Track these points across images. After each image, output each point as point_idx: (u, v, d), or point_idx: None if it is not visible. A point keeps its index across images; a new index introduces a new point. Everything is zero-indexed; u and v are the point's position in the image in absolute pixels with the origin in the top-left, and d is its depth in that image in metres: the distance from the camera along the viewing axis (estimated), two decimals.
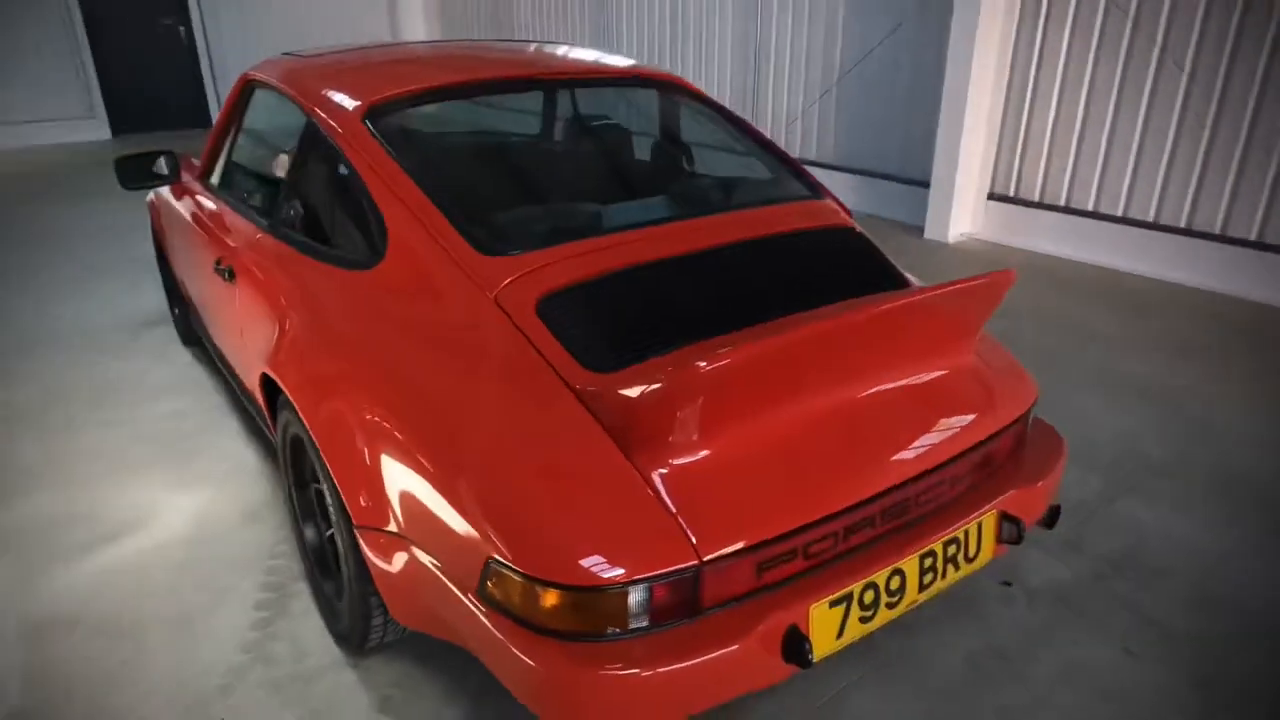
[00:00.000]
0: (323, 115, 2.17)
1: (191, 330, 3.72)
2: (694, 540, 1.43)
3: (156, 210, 3.58)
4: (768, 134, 6.95)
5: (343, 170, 2.07)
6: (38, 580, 2.39)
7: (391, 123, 2.13)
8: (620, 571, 1.38)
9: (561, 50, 2.76)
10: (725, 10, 7.05)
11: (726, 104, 7.26)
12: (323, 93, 2.23)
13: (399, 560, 1.65)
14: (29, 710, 1.95)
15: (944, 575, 1.74)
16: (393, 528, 1.64)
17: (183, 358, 3.87)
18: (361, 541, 1.71)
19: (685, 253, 1.94)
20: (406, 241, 1.88)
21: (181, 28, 10.05)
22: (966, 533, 1.76)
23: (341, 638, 2.05)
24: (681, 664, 1.40)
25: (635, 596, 1.40)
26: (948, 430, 1.79)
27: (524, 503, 1.47)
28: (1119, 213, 4.99)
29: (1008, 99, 5.32)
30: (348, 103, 2.14)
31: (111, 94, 9.77)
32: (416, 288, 1.85)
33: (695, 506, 1.47)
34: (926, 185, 5.61)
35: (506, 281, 1.77)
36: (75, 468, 2.96)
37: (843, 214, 2.31)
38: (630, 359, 1.61)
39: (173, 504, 2.73)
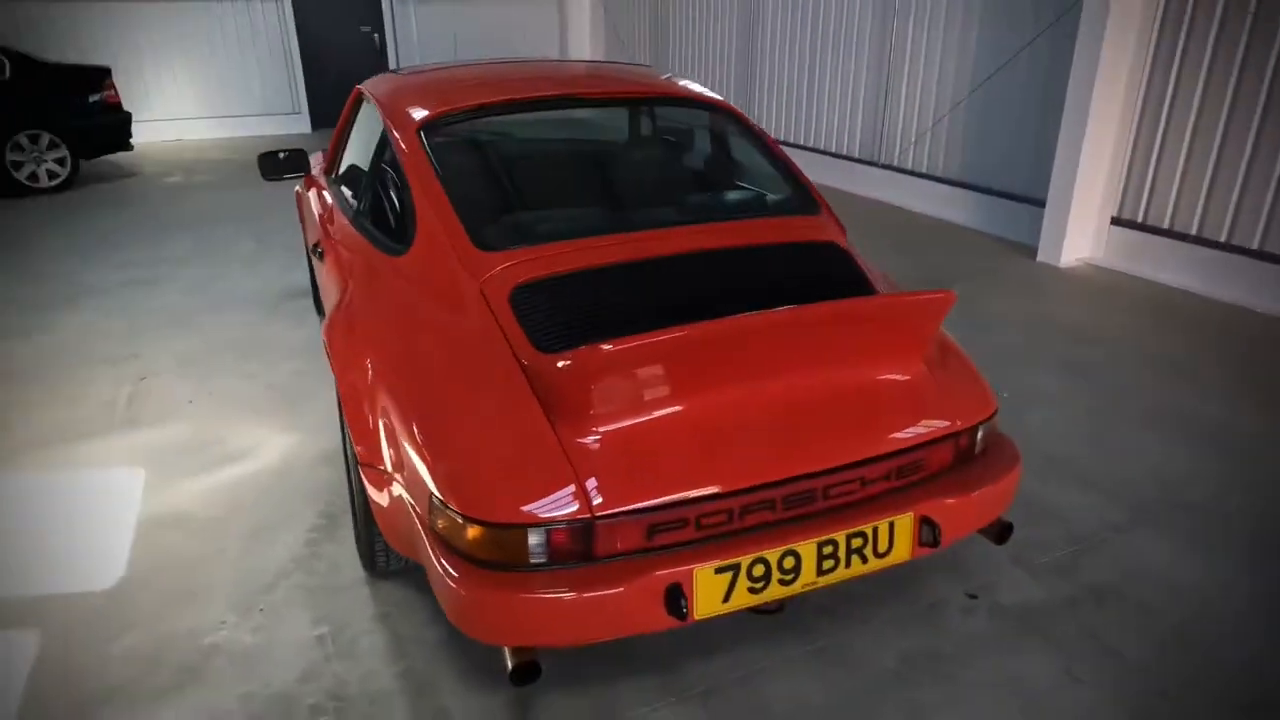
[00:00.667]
0: (391, 125, 2.59)
1: (320, 302, 4.36)
2: (589, 498, 1.70)
3: (298, 198, 4.23)
4: (896, 153, 6.94)
5: (399, 173, 2.48)
6: (166, 486, 3.00)
7: (440, 134, 2.52)
8: (525, 515, 1.68)
9: (624, 72, 3.07)
10: (862, 38, 7.08)
11: (857, 128, 7.32)
12: (396, 106, 2.65)
13: (388, 494, 2.03)
14: (130, 579, 2.51)
15: (848, 565, 1.89)
16: (384, 466, 2.02)
17: (315, 326, 4.53)
18: (364, 477, 2.10)
19: (660, 256, 2.20)
20: (427, 235, 2.26)
21: (376, 35, 11.25)
22: (876, 529, 1.90)
23: (363, 561, 2.47)
24: (568, 596, 1.68)
25: (535, 538, 1.69)
26: (866, 433, 1.94)
27: (463, 452, 1.80)
28: (1255, 245, 4.65)
29: (1141, 118, 5.07)
30: (410, 116, 2.55)
31: (314, 92, 11.10)
32: (427, 274, 2.23)
33: (597, 470, 1.73)
34: (1044, 205, 5.44)
35: (491, 273, 2.10)
36: (217, 406, 3.62)
37: (830, 230, 2.47)
38: (576, 344, 1.90)
39: (274, 442, 3.30)
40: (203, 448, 3.26)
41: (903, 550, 1.95)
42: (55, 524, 2.80)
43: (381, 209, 2.63)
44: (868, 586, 2.42)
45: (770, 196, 2.63)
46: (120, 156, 8.89)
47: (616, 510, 1.72)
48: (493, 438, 1.81)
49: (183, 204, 7.41)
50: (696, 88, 2.98)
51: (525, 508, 1.69)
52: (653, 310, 2.01)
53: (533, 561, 1.71)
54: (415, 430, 1.87)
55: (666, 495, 1.75)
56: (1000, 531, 2.17)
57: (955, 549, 2.50)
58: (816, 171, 7.85)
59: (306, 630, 2.30)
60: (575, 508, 1.69)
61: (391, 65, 11.40)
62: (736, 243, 2.30)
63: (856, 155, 7.43)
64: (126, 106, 8.46)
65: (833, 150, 7.71)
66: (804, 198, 2.58)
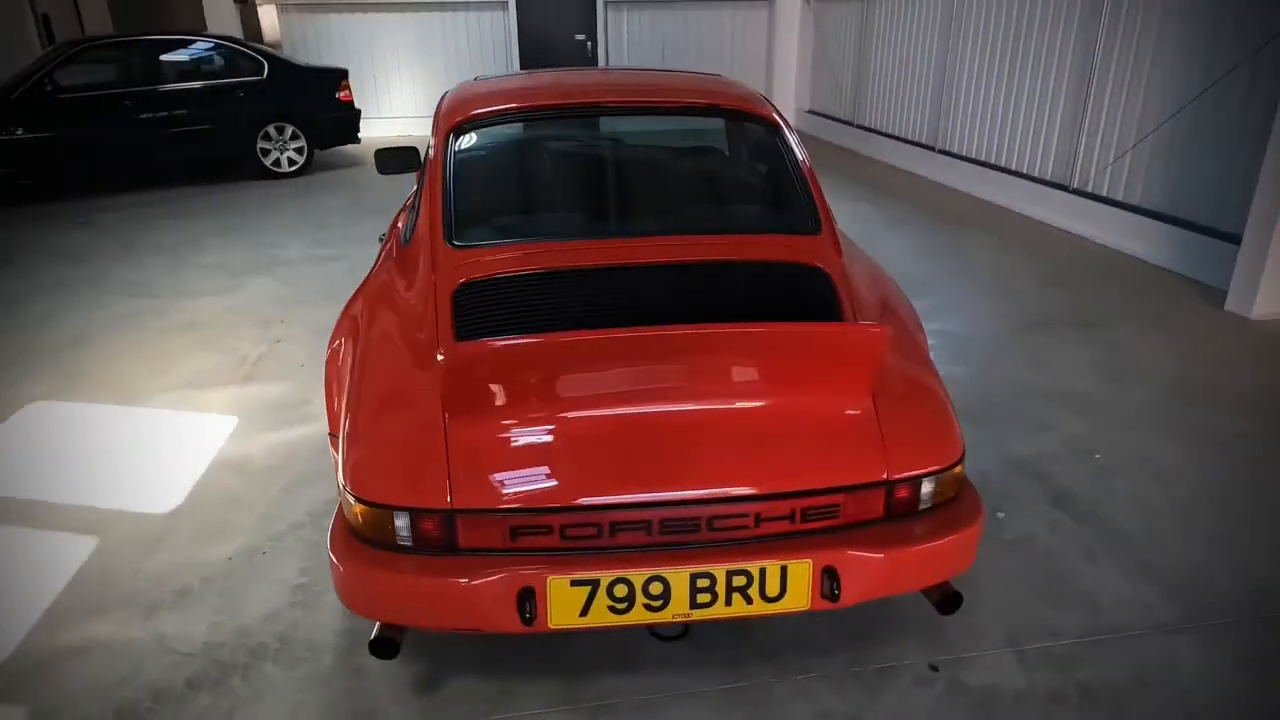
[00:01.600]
0: (432, 127, 2.78)
1: None
2: (453, 491, 1.75)
3: None
4: (1091, 176, 6.23)
5: (423, 170, 2.66)
6: (246, 435, 3.42)
7: (466, 136, 2.66)
8: (392, 498, 1.77)
9: (676, 82, 3.06)
10: (1063, 58, 6.41)
11: (1051, 150, 6.64)
12: (441, 109, 2.83)
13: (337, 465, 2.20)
14: (182, 509, 2.91)
15: (729, 602, 1.79)
16: (338, 433, 2.19)
17: None
18: (330, 444, 2.29)
19: (619, 265, 2.19)
20: (420, 229, 2.41)
21: (589, 43, 11.84)
22: (764, 571, 1.78)
23: None
24: (421, 581, 1.74)
25: (400, 520, 1.77)
26: (766, 468, 1.82)
27: (366, 434, 1.91)
28: None
29: None
30: (445, 119, 2.72)
31: None
32: (409, 266, 2.38)
33: (469, 465, 1.78)
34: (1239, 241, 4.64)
35: (448, 268, 2.21)
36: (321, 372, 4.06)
37: (820, 253, 2.31)
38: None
39: None
40: (292, 406, 3.67)
41: (799, 599, 1.81)
42: (149, 453, 3.30)
43: (415, 205, 2.83)
44: (824, 634, 2.25)
45: (773, 213, 2.51)
46: (350, 148, 10.09)
47: (478, 508, 1.75)
48: (395, 423, 1.91)
49: (388, 192, 8.28)
50: (740, 96, 2.90)
51: (394, 491, 1.78)
52: (589, 318, 2.01)
53: (399, 543, 1.80)
54: (345, 409, 2.02)
55: (530, 501, 1.76)
56: (943, 600, 1.95)
57: (954, 617, 2.26)
58: (999, 191, 7.26)
59: (290, 578, 2.54)
60: (438, 498, 1.75)
61: None
62: (707, 257, 2.23)
63: (1047, 178, 6.75)
64: (358, 104, 9.57)
65: (1022, 171, 7.06)
66: (807, 217, 2.44)
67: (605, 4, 11.67)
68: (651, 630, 2.02)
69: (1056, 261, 5.66)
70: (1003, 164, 7.34)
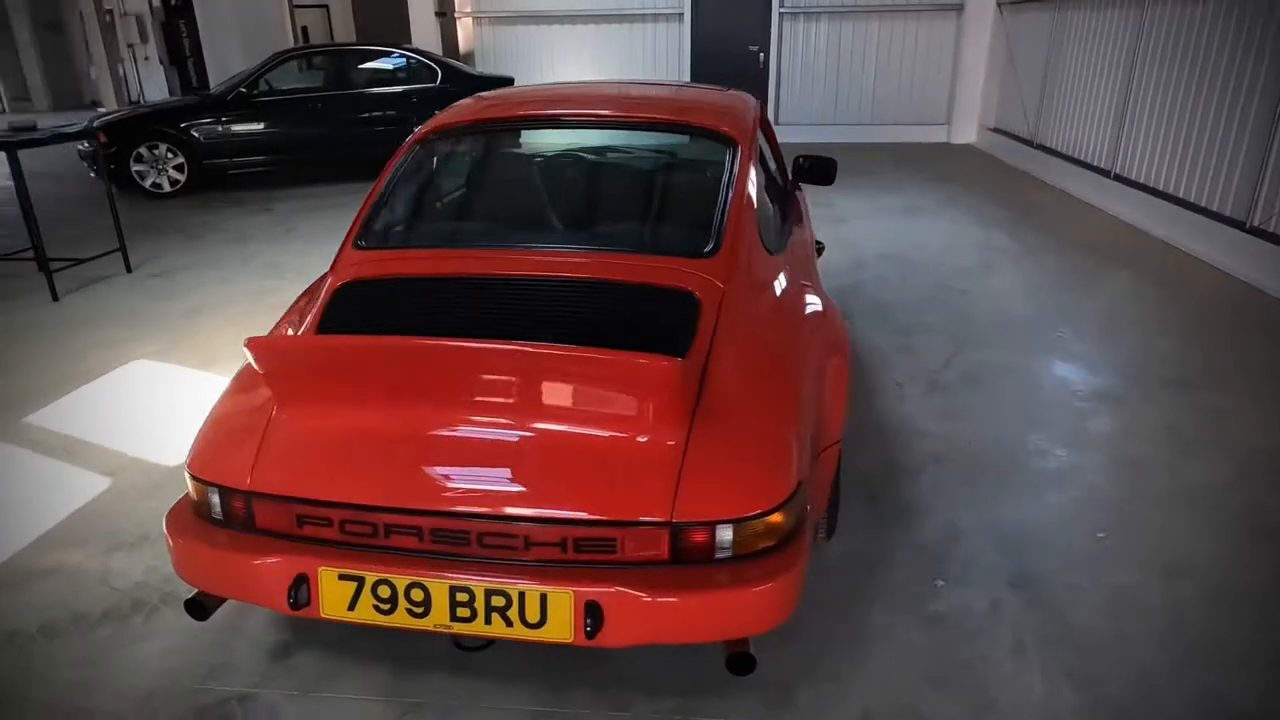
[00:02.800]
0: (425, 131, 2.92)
1: None
2: (251, 475, 1.88)
3: None
4: (1273, 215, 5.34)
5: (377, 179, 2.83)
6: None
7: (442, 143, 2.80)
8: (204, 474, 1.93)
9: (669, 96, 3.00)
10: (1250, 94, 5.52)
11: (1232, 186, 5.75)
12: (444, 114, 2.96)
13: None
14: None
15: (488, 622, 1.78)
16: None
17: None
18: None
19: (497, 276, 2.22)
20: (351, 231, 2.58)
21: (761, 54, 11.73)
22: (524, 595, 1.75)
23: None
24: (215, 553, 1.89)
25: (214, 497, 1.93)
26: (540, 492, 1.79)
27: (213, 415, 2.09)
28: None
29: None
30: (420, 130, 2.87)
31: None
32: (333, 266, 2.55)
33: (272, 452, 1.90)
34: None
35: (342, 268, 2.34)
36: None
37: (703, 277, 2.20)
38: None
39: None
40: None
41: (561, 629, 1.77)
42: (179, 410, 3.72)
43: None
44: (665, 674, 2.15)
45: (678, 233, 2.41)
46: None
47: (269, 493, 1.87)
48: (234, 409, 2.08)
49: None
50: (716, 113, 2.84)
51: (210, 469, 1.94)
52: (438, 325, 2.07)
53: (213, 518, 1.96)
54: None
55: (312, 493, 1.85)
56: (731, 659, 1.81)
57: (816, 684, 2.10)
58: (1166, 222, 6.39)
59: None
60: (240, 480, 1.89)
61: (771, 84, 11.80)
62: (580, 275, 2.21)
63: (1226, 214, 5.85)
64: None
65: (1196, 203, 6.16)
66: (709, 240, 2.33)
67: (780, 14, 11.52)
68: (456, 642, 2.04)
69: (1191, 302, 4.91)
70: (1176, 193, 6.45)
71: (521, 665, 2.19)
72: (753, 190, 2.59)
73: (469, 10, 12.11)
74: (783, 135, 11.60)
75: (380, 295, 2.26)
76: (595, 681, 2.15)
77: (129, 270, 5.87)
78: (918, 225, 6.94)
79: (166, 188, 8.55)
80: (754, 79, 11.80)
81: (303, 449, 1.92)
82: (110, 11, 17.54)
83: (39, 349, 4.50)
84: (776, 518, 1.83)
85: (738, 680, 2.14)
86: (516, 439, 1.85)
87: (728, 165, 2.60)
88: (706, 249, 2.30)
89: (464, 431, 1.87)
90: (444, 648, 2.24)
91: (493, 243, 2.44)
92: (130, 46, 18.14)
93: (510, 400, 1.84)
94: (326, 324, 2.20)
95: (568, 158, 2.95)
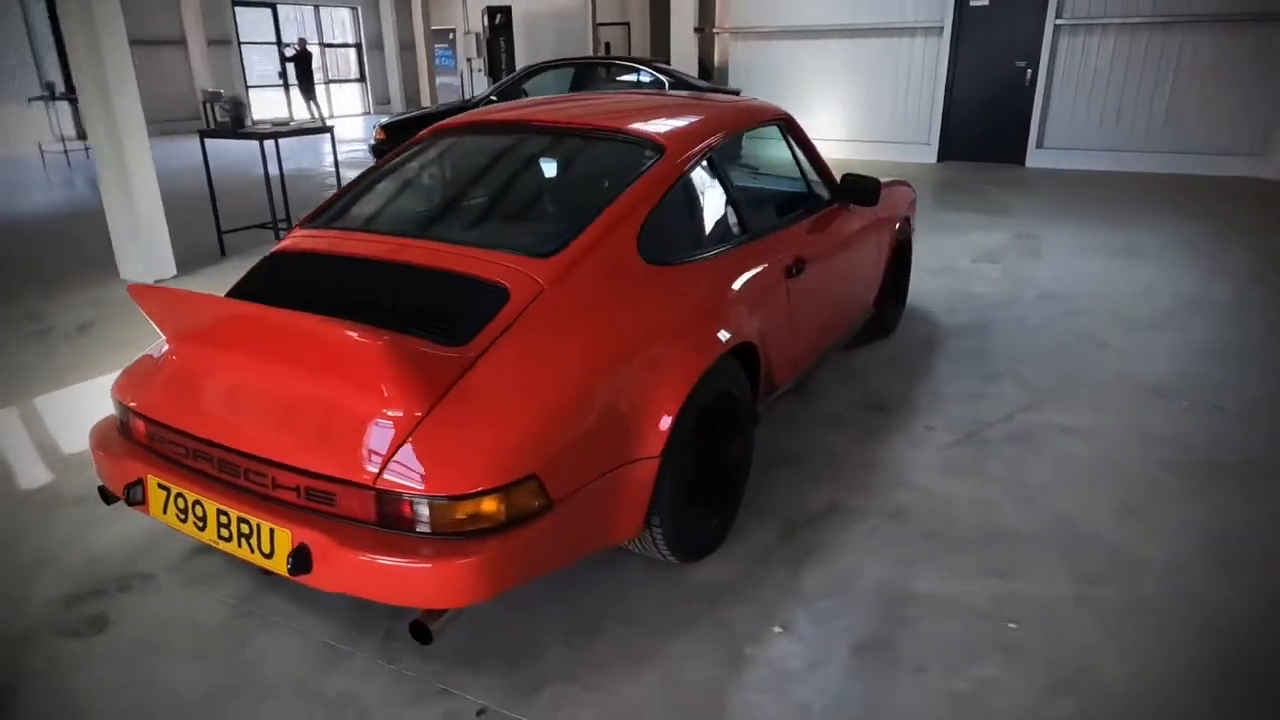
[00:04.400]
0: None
1: None
2: (134, 397, 2.34)
3: None
4: None
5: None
6: None
7: (418, 146, 3.15)
8: (118, 395, 2.41)
9: (621, 103, 3.07)
10: None
11: None
12: (435, 125, 3.30)
13: None
14: None
15: (240, 545, 2.06)
16: None
17: None
18: None
19: (376, 258, 2.49)
20: None
21: (1029, 70, 10.64)
22: (259, 527, 2.01)
23: None
24: (108, 458, 2.35)
25: (119, 414, 2.42)
26: (284, 440, 2.03)
27: (142, 354, 2.57)
28: None
29: None
30: (422, 133, 3.22)
31: (948, 124, 11.25)
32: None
33: (152, 380, 2.35)
34: None
35: (284, 240, 2.75)
36: None
37: (524, 273, 2.29)
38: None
39: None
40: None
41: (279, 563, 2.00)
42: None
43: None
44: (449, 645, 2.29)
45: (536, 232, 2.52)
46: None
47: (137, 410, 2.32)
48: (155, 348, 2.55)
49: None
50: (658, 121, 2.93)
51: (120, 389, 2.42)
52: (295, 294, 2.39)
53: (119, 432, 2.44)
54: None
55: (156, 415, 2.26)
56: (413, 627, 1.93)
57: (559, 686, 2.13)
58: None
59: None
60: (127, 399, 2.36)
61: (1037, 104, 10.67)
62: (423, 262, 2.40)
63: None
64: None
65: None
66: (554, 242, 2.39)
67: (1056, 26, 10.38)
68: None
69: None
70: None
71: (351, 610, 2.44)
72: (661, 195, 2.59)
73: (727, 26, 12.46)
74: (1048, 161, 10.61)
75: (285, 265, 2.65)
76: (394, 633, 2.34)
77: None
78: (1122, 268, 6.00)
79: None
80: (1017, 98, 10.78)
81: (161, 381, 2.35)
82: (452, 30, 20.61)
83: None
84: (487, 504, 1.90)
85: (502, 665, 2.23)
86: (282, 396, 2.11)
87: (639, 171, 2.63)
88: (548, 249, 2.37)
89: (250, 385, 2.17)
90: (235, 586, 2.55)
91: (383, 229, 2.72)
92: (469, 60, 21.21)
93: (284, 364, 2.11)
94: (244, 283, 2.63)
95: (495, 161, 3.15)
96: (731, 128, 3.09)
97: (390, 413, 1.99)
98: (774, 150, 3.59)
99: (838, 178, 3.64)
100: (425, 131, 3.22)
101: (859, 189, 3.52)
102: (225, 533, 2.10)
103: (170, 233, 6.06)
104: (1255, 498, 3.02)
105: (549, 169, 3.13)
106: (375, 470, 1.93)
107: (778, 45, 12.25)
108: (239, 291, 2.58)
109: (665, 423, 2.26)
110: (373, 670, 2.22)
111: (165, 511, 2.22)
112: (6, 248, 7.10)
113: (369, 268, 2.49)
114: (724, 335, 2.55)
